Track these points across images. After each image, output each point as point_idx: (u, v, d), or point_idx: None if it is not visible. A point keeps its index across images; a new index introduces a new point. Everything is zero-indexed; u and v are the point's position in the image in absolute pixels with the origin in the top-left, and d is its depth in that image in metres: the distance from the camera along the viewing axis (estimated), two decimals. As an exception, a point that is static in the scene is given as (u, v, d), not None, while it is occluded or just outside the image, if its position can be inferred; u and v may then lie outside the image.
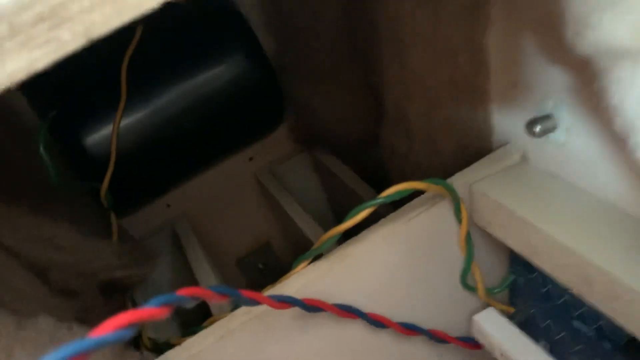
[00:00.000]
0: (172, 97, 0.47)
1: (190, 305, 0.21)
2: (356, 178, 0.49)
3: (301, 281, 0.31)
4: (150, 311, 0.17)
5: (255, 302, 0.27)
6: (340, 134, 0.47)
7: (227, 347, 0.29)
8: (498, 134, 0.34)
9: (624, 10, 0.16)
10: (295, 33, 0.45)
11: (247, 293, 0.26)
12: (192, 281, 0.46)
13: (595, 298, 0.26)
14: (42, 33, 0.15)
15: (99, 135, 0.45)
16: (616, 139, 0.24)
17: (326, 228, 0.47)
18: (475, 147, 0.34)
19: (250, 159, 0.56)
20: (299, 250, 0.55)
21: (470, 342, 0.36)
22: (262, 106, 0.50)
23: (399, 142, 0.37)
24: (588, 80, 0.24)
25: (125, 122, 0.45)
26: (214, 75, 0.47)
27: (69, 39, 0.15)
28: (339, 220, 0.61)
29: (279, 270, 0.62)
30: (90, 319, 0.32)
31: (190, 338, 0.30)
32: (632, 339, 0.27)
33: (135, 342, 0.37)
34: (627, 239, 0.26)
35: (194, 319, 0.46)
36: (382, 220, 0.32)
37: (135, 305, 0.40)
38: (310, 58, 0.45)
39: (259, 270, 0.60)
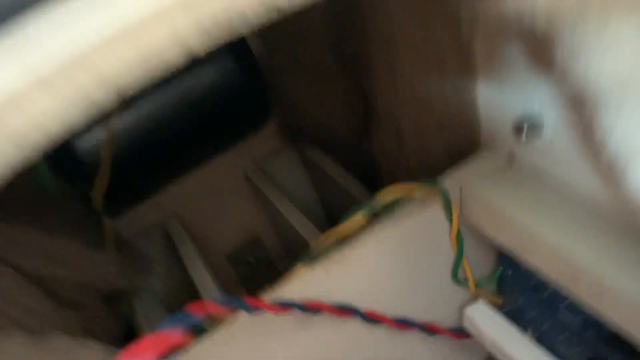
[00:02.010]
0: (158, 97, 0.47)
1: (199, 320, 0.22)
2: (344, 174, 0.50)
3: (300, 284, 0.31)
4: (173, 337, 0.18)
5: (258, 310, 0.28)
6: (329, 130, 0.47)
7: (227, 349, 0.30)
8: (486, 133, 0.35)
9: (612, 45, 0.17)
10: (283, 37, 0.45)
11: (251, 301, 0.27)
12: (186, 279, 0.47)
13: (582, 294, 0.28)
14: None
15: (90, 137, 0.45)
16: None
17: (317, 223, 0.48)
18: (464, 146, 0.35)
19: (239, 156, 0.57)
20: (289, 245, 0.56)
21: (461, 333, 0.38)
22: (249, 106, 0.50)
23: (389, 143, 0.38)
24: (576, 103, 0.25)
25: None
26: (202, 76, 0.47)
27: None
28: (329, 215, 0.61)
29: (270, 264, 0.63)
30: (95, 329, 0.32)
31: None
32: (616, 330, 0.29)
33: (131, 339, 0.37)
34: (613, 236, 0.27)
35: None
36: (377, 223, 0.33)
37: (133, 311, 0.40)
38: (299, 61, 0.45)
39: (249, 264, 0.60)
